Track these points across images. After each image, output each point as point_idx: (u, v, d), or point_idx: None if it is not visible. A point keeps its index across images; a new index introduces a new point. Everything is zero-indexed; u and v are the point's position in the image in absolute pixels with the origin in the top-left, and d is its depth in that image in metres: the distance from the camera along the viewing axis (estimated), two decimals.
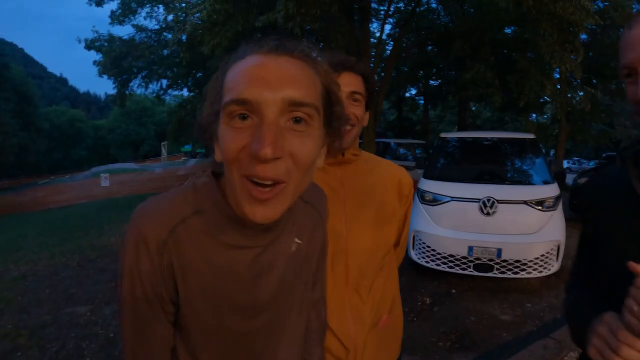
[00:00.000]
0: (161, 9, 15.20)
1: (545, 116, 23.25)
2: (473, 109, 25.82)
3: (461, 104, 18.51)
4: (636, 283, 0.77)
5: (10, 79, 28.07)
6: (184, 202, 0.88)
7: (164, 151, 53.60)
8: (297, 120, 0.76)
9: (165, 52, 15.13)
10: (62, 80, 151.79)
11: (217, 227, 0.87)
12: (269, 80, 0.74)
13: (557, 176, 6.14)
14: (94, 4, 14.79)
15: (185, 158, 52.36)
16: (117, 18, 14.61)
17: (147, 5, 15.17)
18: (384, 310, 1.54)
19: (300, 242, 1.00)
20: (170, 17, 9.90)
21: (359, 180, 1.51)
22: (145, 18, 17.00)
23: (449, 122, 33.31)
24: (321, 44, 12.37)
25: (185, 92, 21.78)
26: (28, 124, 37.28)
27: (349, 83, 1.37)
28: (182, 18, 8.94)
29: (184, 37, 10.07)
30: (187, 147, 53.81)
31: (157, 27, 16.18)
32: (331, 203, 1.37)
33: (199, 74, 17.67)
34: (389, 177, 1.57)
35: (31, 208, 16.54)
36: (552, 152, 22.70)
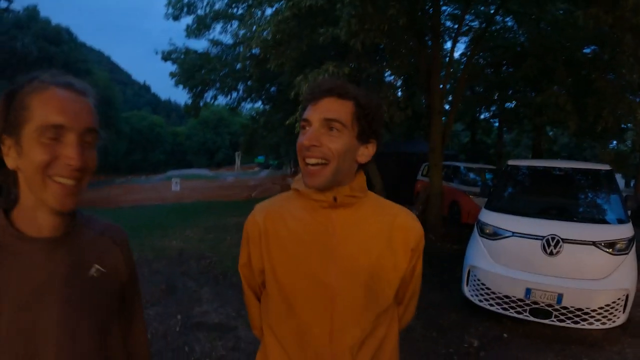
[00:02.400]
0: (235, 24, 15.59)
1: (628, 143, 21.66)
2: (550, 133, 24.63)
3: (537, 129, 17.66)
4: None
5: (94, 84, 30.15)
6: None
7: (237, 160, 55.31)
8: None
9: (238, 66, 15.48)
10: (145, 88, 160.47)
11: (10, 248, 1.02)
12: None
13: (636, 212, 5.57)
14: (171, 18, 15.41)
15: (258, 169, 53.76)
16: (192, 32, 15.10)
17: (222, 21, 15.59)
18: None
19: (103, 270, 1.15)
20: (241, 33, 10.08)
21: (356, 227, 1.32)
22: (220, 33, 17.46)
23: (525, 146, 31.92)
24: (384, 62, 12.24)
25: (260, 105, 22.29)
26: (109, 126, 39.66)
27: (326, 109, 1.23)
28: (249, 35, 9.06)
29: (254, 51, 10.24)
30: (261, 158, 55.23)
31: (231, 41, 16.62)
32: (319, 249, 1.29)
33: (272, 89, 17.97)
34: (396, 225, 1.35)
35: (104, 204, 17.34)
36: (632, 182, 21.19)
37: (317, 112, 1.23)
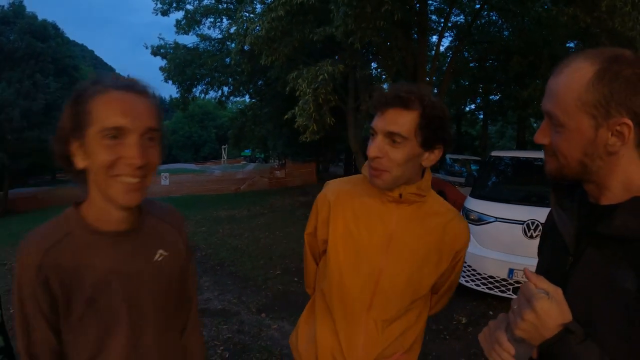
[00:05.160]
0: (224, 21, 15.74)
1: None
2: (534, 125, 25.11)
3: (521, 121, 18.07)
4: (522, 286, 0.91)
5: (80, 79, 29.73)
6: (54, 228, 1.13)
7: (224, 154, 55.12)
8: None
9: (228, 60, 15.61)
10: None
11: (85, 244, 1.11)
12: None
13: None
14: (159, 14, 15.48)
15: (245, 162, 53.60)
16: (182, 27, 15.21)
17: (211, 16, 15.71)
18: (400, 348, 1.54)
19: (166, 253, 1.25)
20: (232, 29, 10.27)
21: (413, 222, 1.48)
22: (209, 28, 17.31)
23: (510, 138, 32.46)
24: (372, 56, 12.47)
25: (247, 99, 22.41)
26: None
27: (390, 122, 1.33)
28: (242, 31, 9.26)
29: (245, 48, 10.45)
30: (247, 152, 55.02)
31: (220, 36, 16.72)
32: (377, 234, 1.47)
33: (259, 82, 18.13)
34: (449, 229, 1.50)
35: None
36: None
37: (382, 123, 1.34)
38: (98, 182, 1.08)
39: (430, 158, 1.41)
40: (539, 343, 0.90)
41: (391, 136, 1.33)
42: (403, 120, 1.32)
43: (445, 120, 1.38)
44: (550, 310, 0.87)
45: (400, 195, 1.43)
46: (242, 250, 8.30)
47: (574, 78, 0.92)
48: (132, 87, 1.10)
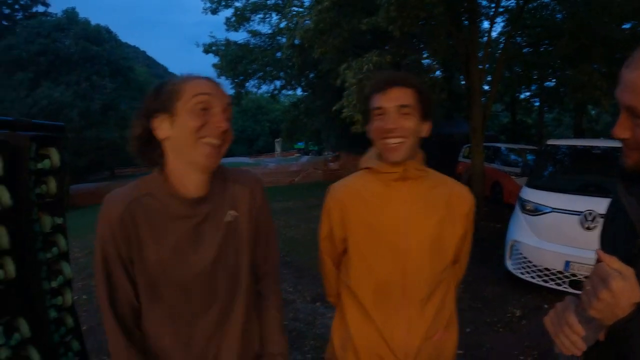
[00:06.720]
0: (273, 16, 15.95)
1: None
2: (592, 112, 24.06)
3: (577, 108, 17.36)
4: (595, 267, 0.94)
5: (135, 79, 30.55)
6: (137, 187, 1.29)
7: (277, 147, 55.65)
8: None
9: (279, 54, 15.83)
10: None
11: (163, 204, 1.27)
12: None
13: None
14: (209, 12, 15.87)
15: (298, 155, 53.94)
16: (232, 25, 15.54)
17: (260, 12, 15.97)
18: (440, 326, 1.61)
19: (236, 214, 1.38)
20: (282, 24, 10.43)
21: (421, 197, 1.57)
22: (258, 23, 17.48)
23: (567, 126, 31.20)
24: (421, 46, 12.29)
25: (299, 92, 22.67)
26: None
27: (397, 97, 1.49)
28: (291, 25, 9.41)
29: (296, 41, 10.58)
30: (300, 144, 55.30)
31: (270, 31, 16.99)
32: (394, 218, 1.56)
33: (311, 75, 18.30)
34: (453, 195, 1.61)
35: None
36: None
37: (390, 101, 1.49)
38: (183, 147, 1.22)
39: (426, 129, 1.57)
40: (611, 322, 0.92)
41: (402, 109, 1.49)
42: (407, 95, 1.50)
43: (431, 95, 1.63)
44: (625, 289, 0.89)
45: (405, 170, 1.55)
46: (297, 241, 8.47)
47: None
48: (208, 77, 1.29)
